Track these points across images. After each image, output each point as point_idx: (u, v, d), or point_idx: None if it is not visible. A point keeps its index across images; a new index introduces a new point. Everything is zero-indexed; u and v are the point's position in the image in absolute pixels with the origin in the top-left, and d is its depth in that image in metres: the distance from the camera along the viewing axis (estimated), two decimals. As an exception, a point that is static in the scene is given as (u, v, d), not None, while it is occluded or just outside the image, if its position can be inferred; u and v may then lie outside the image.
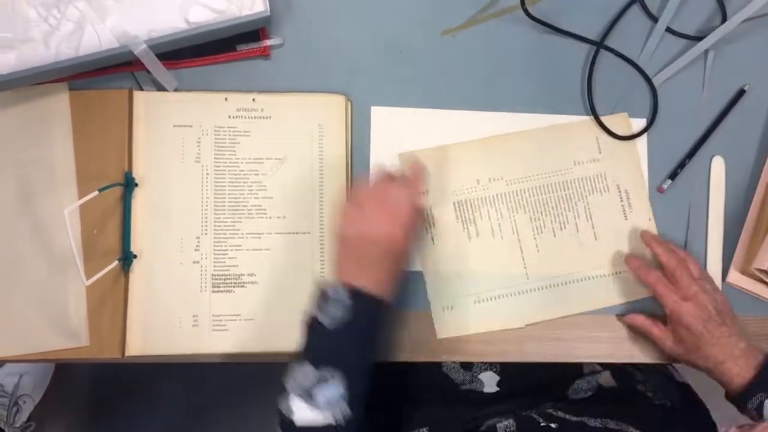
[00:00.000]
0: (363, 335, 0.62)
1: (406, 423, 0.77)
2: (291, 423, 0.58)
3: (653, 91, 0.77)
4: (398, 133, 0.76)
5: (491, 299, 0.74)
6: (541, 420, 0.68)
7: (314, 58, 0.76)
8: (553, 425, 0.67)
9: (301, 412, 0.58)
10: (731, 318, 0.68)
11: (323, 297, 0.62)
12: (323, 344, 0.61)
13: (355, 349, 0.62)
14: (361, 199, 0.65)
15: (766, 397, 0.63)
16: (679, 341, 0.69)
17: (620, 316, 0.74)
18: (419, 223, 0.69)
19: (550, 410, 0.69)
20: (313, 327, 0.62)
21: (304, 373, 0.59)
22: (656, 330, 0.71)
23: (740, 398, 0.65)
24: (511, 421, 0.68)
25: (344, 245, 0.64)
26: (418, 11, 0.77)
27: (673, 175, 0.76)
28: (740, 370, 0.65)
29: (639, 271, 0.72)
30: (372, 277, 0.62)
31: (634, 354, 0.74)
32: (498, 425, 0.68)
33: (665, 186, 0.76)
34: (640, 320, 0.72)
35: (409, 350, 0.74)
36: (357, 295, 0.61)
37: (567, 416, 0.68)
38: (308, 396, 0.58)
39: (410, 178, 0.68)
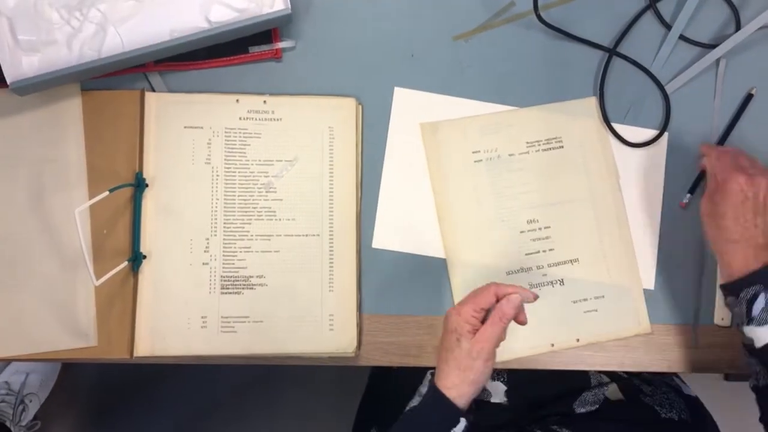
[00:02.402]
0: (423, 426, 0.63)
1: None
2: None
3: (666, 98, 0.77)
4: (414, 134, 0.76)
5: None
6: None
7: (326, 62, 0.76)
8: None
9: None
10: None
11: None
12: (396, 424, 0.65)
13: None
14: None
15: (763, 290, 0.60)
16: (712, 202, 0.66)
17: (704, 147, 0.72)
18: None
19: (554, 426, 0.69)
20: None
21: None
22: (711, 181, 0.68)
23: (736, 284, 0.62)
24: None
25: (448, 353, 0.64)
26: (431, 16, 0.77)
27: (692, 189, 0.76)
28: (748, 258, 0.62)
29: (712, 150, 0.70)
30: (459, 385, 0.62)
31: (644, 363, 0.74)
32: None
33: (686, 200, 0.76)
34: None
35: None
36: (435, 392, 0.62)
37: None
38: None
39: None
